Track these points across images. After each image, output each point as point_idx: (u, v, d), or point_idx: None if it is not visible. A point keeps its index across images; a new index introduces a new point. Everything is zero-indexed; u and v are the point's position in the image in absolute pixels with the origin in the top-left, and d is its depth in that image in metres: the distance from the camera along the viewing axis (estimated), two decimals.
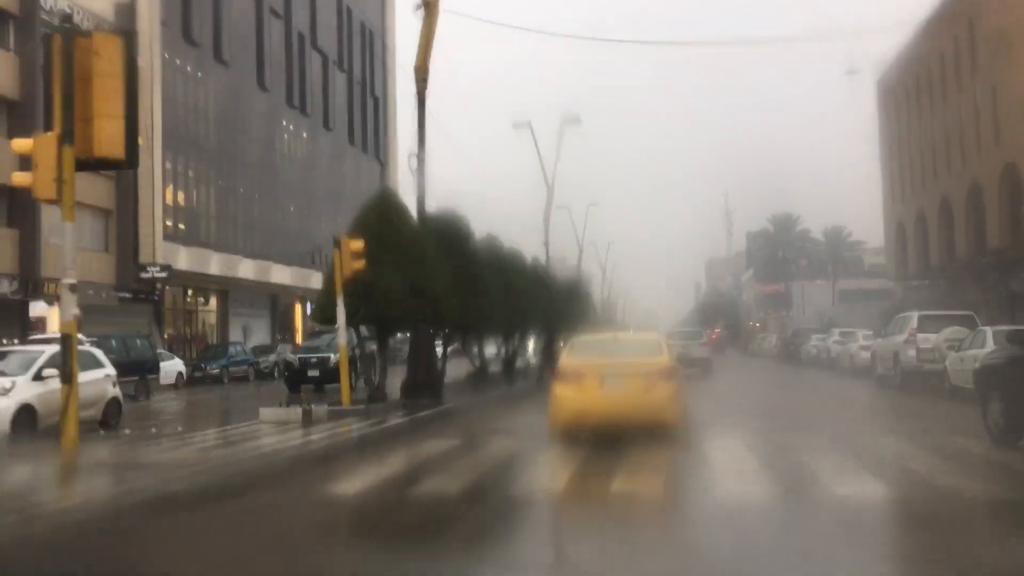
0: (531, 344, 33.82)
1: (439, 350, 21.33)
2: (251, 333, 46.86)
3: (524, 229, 41.29)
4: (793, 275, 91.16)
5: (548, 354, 34.97)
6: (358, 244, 15.09)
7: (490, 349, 28.10)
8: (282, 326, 51.28)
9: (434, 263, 16.72)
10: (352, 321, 16.28)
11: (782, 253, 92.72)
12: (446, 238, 18.36)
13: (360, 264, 15.04)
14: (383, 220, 16.32)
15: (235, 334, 45.12)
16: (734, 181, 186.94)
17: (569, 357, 12.43)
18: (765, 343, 62.43)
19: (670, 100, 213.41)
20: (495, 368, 26.79)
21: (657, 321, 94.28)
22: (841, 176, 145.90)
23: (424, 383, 17.55)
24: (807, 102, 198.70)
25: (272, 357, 38.32)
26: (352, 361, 19.60)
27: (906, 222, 51.54)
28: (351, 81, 60.20)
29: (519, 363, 30.76)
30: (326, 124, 55.89)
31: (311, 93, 53.85)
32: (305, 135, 54.00)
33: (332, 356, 23.35)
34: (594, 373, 11.54)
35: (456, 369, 24.01)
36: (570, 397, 11.52)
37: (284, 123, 51.55)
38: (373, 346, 20.12)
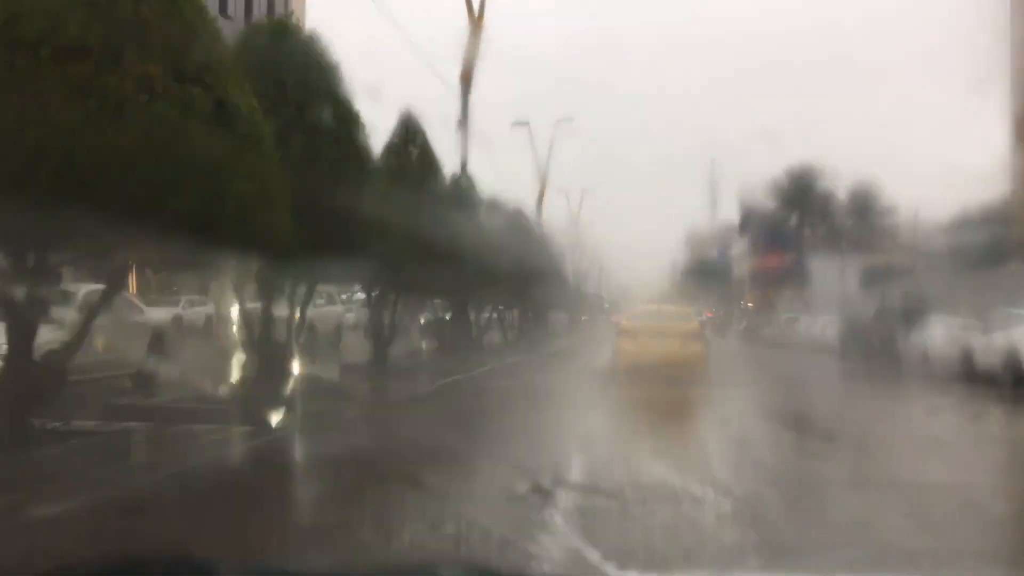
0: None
1: None
2: None
3: None
4: (806, 245, 74.31)
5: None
6: None
7: None
8: None
9: None
10: None
11: (796, 217, 75.25)
12: None
13: None
14: None
15: None
16: (724, 137, 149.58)
17: (629, 321, 19.45)
18: (797, 328, 44.57)
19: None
20: None
21: (632, 298, 79.01)
22: (883, 117, 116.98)
23: None
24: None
25: None
26: None
27: None
28: None
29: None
30: None
31: None
32: None
33: None
34: (648, 332, 17.77)
35: None
36: (632, 348, 17.47)
37: None
38: None
